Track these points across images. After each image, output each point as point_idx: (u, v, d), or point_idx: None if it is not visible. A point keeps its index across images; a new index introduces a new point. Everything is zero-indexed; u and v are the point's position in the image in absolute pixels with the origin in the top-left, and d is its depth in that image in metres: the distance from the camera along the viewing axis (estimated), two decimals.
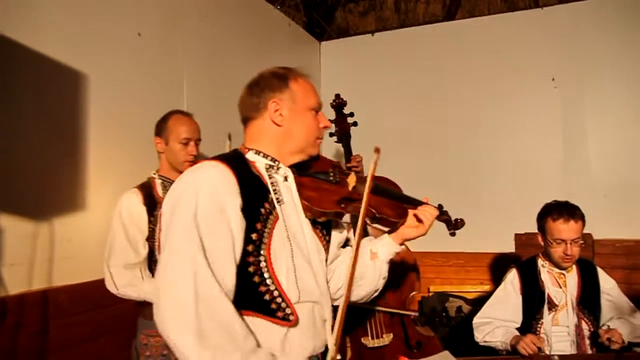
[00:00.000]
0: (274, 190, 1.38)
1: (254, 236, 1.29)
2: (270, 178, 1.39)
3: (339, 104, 2.77)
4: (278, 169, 1.42)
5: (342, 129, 2.74)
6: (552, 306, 2.34)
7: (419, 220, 1.59)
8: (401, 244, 1.62)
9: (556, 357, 1.99)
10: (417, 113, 4.24)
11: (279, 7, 4.21)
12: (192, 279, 1.17)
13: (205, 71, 3.18)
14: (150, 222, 2.08)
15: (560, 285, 2.36)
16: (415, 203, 1.64)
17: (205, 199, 1.24)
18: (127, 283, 2.01)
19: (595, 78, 3.93)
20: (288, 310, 1.32)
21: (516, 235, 3.88)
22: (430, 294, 3.92)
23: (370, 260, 1.58)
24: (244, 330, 1.21)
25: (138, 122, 2.23)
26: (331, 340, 1.37)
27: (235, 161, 1.37)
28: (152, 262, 2.08)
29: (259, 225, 1.31)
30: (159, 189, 2.16)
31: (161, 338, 2.00)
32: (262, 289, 1.31)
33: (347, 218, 1.70)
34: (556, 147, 4.00)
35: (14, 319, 1.97)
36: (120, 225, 2.05)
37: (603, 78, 3.91)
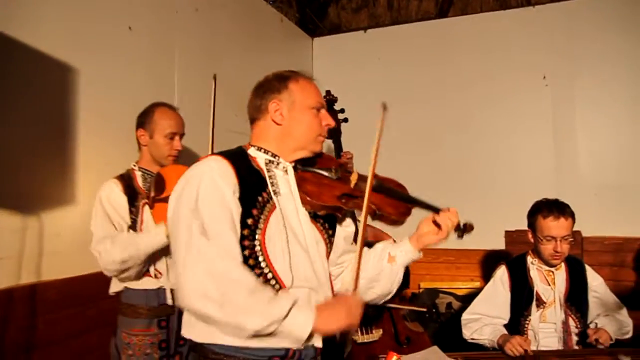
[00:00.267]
0: (272, 182, 1.47)
1: (249, 221, 1.38)
2: (269, 172, 1.49)
3: (329, 100, 2.78)
4: (278, 164, 1.51)
5: (333, 126, 2.74)
6: (540, 303, 2.36)
7: (438, 227, 1.59)
8: (420, 251, 1.62)
9: None
10: (408, 110, 4.24)
11: (271, 2, 4.20)
12: (204, 259, 1.29)
13: (196, 66, 3.16)
14: (131, 212, 2.06)
15: (549, 283, 2.38)
16: (434, 209, 1.64)
17: (206, 186, 1.36)
18: (121, 247, 1.94)
19: (586, 76, 3.96)
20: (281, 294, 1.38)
21: (506, 232, 3.91)
22: (421, 290, 3.94)
23: (387, 263, 1.61)
24: (254, 282, 1.32)
25: (128, 117, 2.21)
26: (351, 275, 1.48)
27: (236, 156, 1.47)
28: None
29: (255, 211, 1.40)
30: (139, 181, 2.14)
31: (144, 337, 2.02)
32: (257, 271, 1.38)
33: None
34: (547, 145, 4.03)
35: (2, 313, 1.96)
36: (102, 211, 2.02)
37: (594, 77, 3.93)
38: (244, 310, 1.27)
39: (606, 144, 3.90)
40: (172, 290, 2.12)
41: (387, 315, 2.76)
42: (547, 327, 2.33)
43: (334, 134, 2.75)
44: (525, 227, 2.46)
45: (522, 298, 2.37)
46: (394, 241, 1.80)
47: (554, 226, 2.28)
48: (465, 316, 2.47)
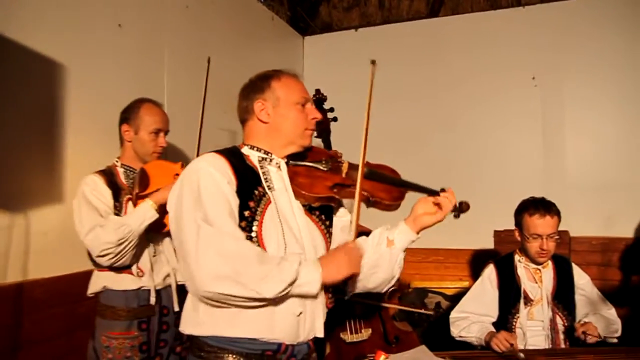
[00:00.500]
0: (265, 178, 1.54)
1: (246, 213, 1.45)
2: (262, 168, 1.55)
3: (319, 99, 2.77)
4: (271, 160, 1.58)
5: (322, 124, 2.74)
6: (528, 301, 2.38)
7: (437, 207, 1.61)
8: (418, 233, 1.63)
9: (521, 355, 2.02)
10: (398, 109, 4.25)
11: (262, 0, 4.18)
12: (212, 244, 1.34)
13: (186, 64, 3.15)
14: (115, 207, 2.03)
15: (536, 281, 2.40)
16: (430, 191, 1.65)
17: (205, 179, 1.42)
18: (113, 230, 1.91)
19: (575, 77, 3.99)
20: None
21: (495, 232, 3.93)
22: (410, 290, 3.95)
23: (386, 248, 1.62)
24: (260, 252, 1.40)
25: (117, 115, 2.20)
26: (350, 227, 1.55)
27: (231, 153, 1.53)
28: None
29: (251, 204, 1.46)
30: (122, 177, 2.12)
31: (124, 340, 1.99)
32: None
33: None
34: (536, 146, 4.06)
35: None
36: (87, 203, 1.98)
37: (583, 78, 3.96)
38: (259, 281, 1.33)
39: (595, 144, 3.93)
40: (157, 291, 2.09)
41: (376, 314, 2.76)
42: (534, 325, 2.35)
43: (324, 132, 2.74)
44: (514, 227, 2.48)
45: (510, 296, 2.39)
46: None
47: (540, 224, 2.31)
48: (453, 314, 2.48)
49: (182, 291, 2.11)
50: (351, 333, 2.66)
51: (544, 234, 2.30)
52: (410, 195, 1.68)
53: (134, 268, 2.05)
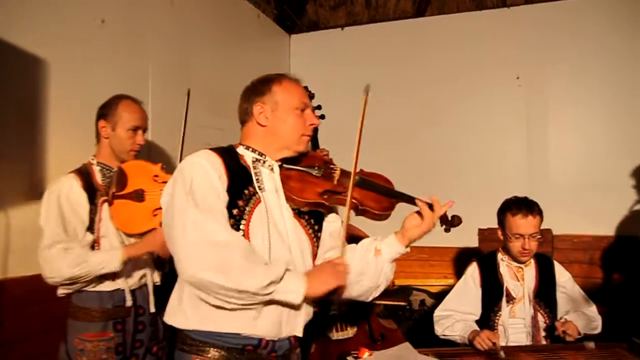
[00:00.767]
0: (257, 179, 1.56)
1: (235, 211, 1.48)
2: (255, 169, 1.58)
3: None
4: (264, 162, 1.60)
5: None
6: (510, 299, 2.40)
7: (421, 217, 1.62)
8: (407, 246, 1.65)
9: (502, 354, 2.06)
10: (383, 108, 4.25)
11: None
12: (201, 231, 1.38)
13: (171, 61, 3.12)
14: (90, 210, 1.96)
15: (519, 279, 2.42)
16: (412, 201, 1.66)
17: (198, 172, 1.46)
18: (72, 263, 1.84)
19: (558, 77, 4.04)
20: None
21: (479, 230, 3.95)
22: (394, 287, 3.96)
23: (373, 257, 1.64)
24: (249, 247, 1.44)
25: None
26: (338, 242, 1.60)
27: (225, 151, 1.57)
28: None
29: (240, 202, 1.49)
30: (98, 177, 2.05)
31: (99, 342, 1.94)
32: None
33: None
34: (519, 145, 4.10)
35: None
36: (57, 211, 1.90)
37: (566, 78, 4.02)
38: (243, 272, 1.36)
39: (578, 143, 3.98)
40: (132, 291, 2.04)
41: (361, 312, 2.77)
42: (516, 323, 2.37)
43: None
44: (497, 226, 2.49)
45: (493, 294, 2.41)
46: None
47: (522, 224, 2.32)
48: (437, 313, 2.49)
49: (159, 292, 2.09)
50: (337, 331, 2.67)
51: (526, 234, 2.33)
52: (406, 208, 1.69)
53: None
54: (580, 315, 2.38)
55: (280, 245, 1.52)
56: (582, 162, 3.93)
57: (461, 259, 3.95)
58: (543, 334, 2.36)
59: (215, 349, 1.46)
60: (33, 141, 2.24)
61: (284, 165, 1.63)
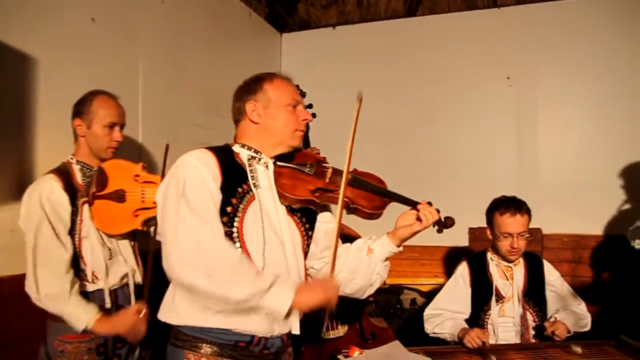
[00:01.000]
0: (252, 176, 1.59)
1: (228, 209, 1.51)
2: (250, 166, 1.61)
3: None
4: (260, 159, 1.63)
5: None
6: (500, 298, 2.42)
7: (417, 220, 1.66)
8: (399, 246, 1.69)
9: (493, 358, 2.08)
10: (374, 107, 4.23)
11: None
12: (191, 233, 1.41)
13: (161, 59, 3.10)
14: (72, 212, 1.92)
15: (508, 278, 2.44)
16: (411, 203, 1.70)
17: (191, 172, 1.49)
18: (53, 294, 1.82)
19: (548, 78, 4.05)
20: None
21: (470, 229, 3.98)
22: (385, 287, 3.97)
23: (366, 256, 1.69)
24: (238, 255, 1.45)
25: None
26: (328, 259, 1.62)
27: (221, 150, 1.60)
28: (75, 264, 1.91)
29: (234, 200, 1.52)
30: (78, 176, 2.00)
31: (80, 343, 1.90)
32: None
33: None
34: (509, 144, 4.11)
35: None
36: (43, 215, 1.85)
37: (556, 78, 4.03)
38: (229, 280, 1.38)
39: (567, 143, 4.00)
40: (110, 292, 1.99)
41: (352, 311, 2.77)
42: (505, 322, 2.39)
43: None
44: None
45: (482, 293, 2.43)
46: None
47: (510, 223, 2.34)
48: (427, 311, 2.51)
49: (140, 292, 2.05)
50: (327, 329, 2.67)
51: (515, 233, 2.34)
52: (399, 208, 1.72)
53: (88, 274, 1.95)
54: (569, 313, 2.40)
55: (275, 239, 1.56)
56: (572, 162, 3.95)
57: (452, 258, 3.96)
58: (532, 332, 2.38)
59: (208, 345, 1.48)
60: (21, 140, 2.21)
61: (277, 163, 1.66)
